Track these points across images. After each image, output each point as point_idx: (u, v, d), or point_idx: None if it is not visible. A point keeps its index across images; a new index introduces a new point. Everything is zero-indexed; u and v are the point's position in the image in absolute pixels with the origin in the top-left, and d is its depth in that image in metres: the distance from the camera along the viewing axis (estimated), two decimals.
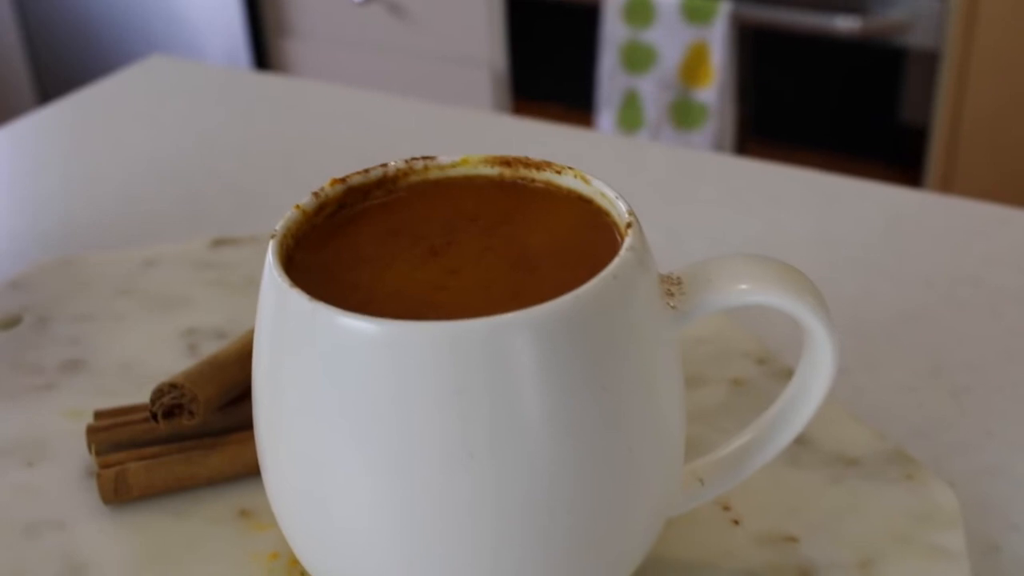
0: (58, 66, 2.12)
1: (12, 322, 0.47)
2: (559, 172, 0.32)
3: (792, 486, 0.37)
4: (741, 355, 0.42)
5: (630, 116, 1.61)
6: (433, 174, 0.32)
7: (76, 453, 0.40)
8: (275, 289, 0.27)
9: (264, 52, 1.93)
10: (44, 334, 0.46)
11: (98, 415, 0.39)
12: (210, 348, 0.44)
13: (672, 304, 0.29)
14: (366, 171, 0.32)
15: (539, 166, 0.32)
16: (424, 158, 0.32)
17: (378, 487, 0.27)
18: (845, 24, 1.45)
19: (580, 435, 0.27)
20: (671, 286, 0.30)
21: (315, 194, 0.31)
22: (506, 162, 0.32)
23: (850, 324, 0.46)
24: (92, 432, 0.38)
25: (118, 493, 0.37)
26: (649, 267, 0.28)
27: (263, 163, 0.63)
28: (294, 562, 0.35)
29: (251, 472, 0.37)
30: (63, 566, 0.35)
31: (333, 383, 0.27)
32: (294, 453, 0.29)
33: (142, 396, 0.41)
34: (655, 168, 0.61)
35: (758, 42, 1.57)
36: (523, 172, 0.32)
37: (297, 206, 0.30)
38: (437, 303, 0.28)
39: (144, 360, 0.44)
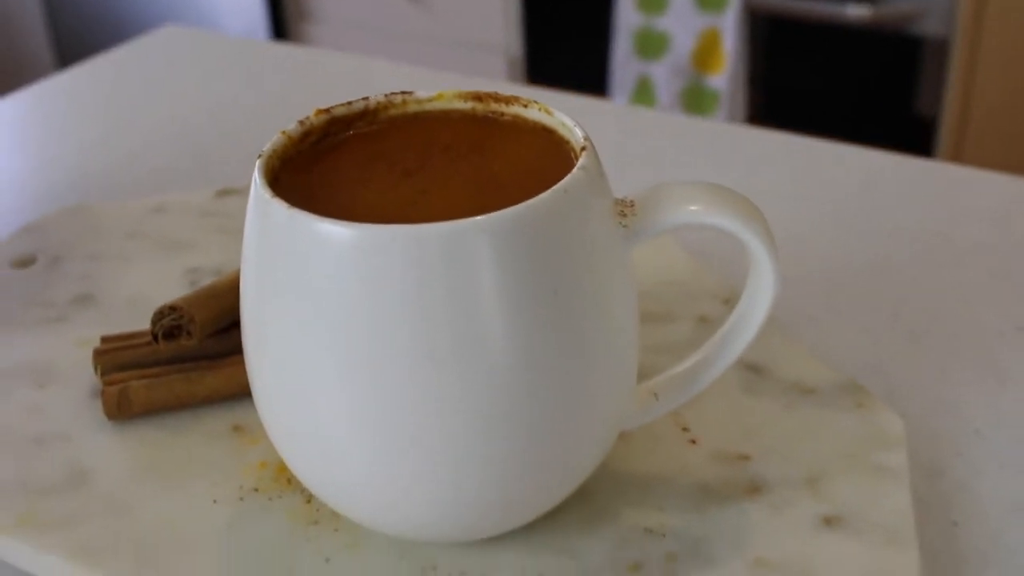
0: (78, 39, 2.16)
1: (27, 262, 0.50)
2: (526, 106, 0.34)
3: (749, 412, 0.39)
4: (709, 295, 0.45)
5: (642, 101, 1.63)
6: (411, 108, 0.35)
7: (83, 377, 0.42)
8: (258, 202, 0.30)
9: (283, 35, 1.96)
10: (56, 272, 0.49)
11: (104, 340, 0.42)
12: None
13: (624, 224, 0.32)
14: (349, 103, 0.34)
15: (508, 100, 0.34)
16: (403, 92, 0.35)
17: (349, 387, 0.30)
18: (856, 12, 1.47)
19: (533, 337, 0.29)
20: (624, 208, 0.32)
21: (300, 122, 0.33)
22: (478, 97, 0.35)
23: (819, 275, 0.49)
24: (98, 355, 0.41)
25: (120, 409, 0.39)
26: (601, 187, 0.31)
27: (272, 125, 0.65)
28: (281, 469, 0.37)
29: (245, 392, 0.40)
30: (68, 472, 0.38)
31: (309, 287, 0.29)
32: (275, 358, 0.31)
33: (146, 326, 0.44)
34: (649, 134, 0.64)
35: (770, 29, 1.59)
36: (493, 106, 0.35)
37: (283, 132, 0.33)
38: (407, 217, 0.30)
39: (149, 296, 0.47)
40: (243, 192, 0.54)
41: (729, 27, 1.53)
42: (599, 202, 0.31)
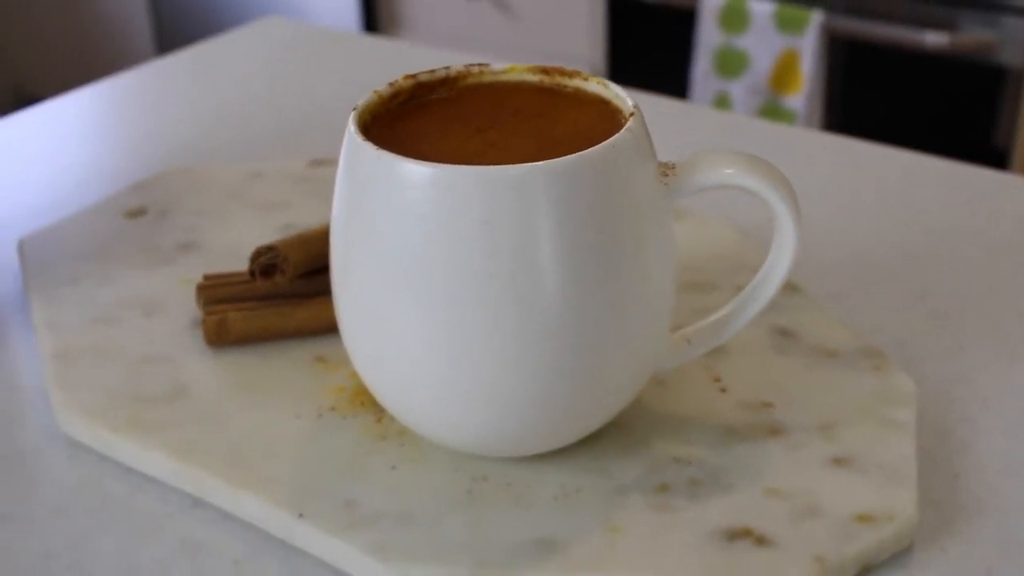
0: (178, 33, 2.25)
1: (138, 213, 0.56)
2: (586, 79, 0.39)
3: (776, 368, 0.43)
4: (749, 268, 0.49)
5: None
6: (486, 78, 0.40)
7: (187, 309, 0.48)
8: (351, 146, 0.35)
9: None
10: (164, 223, 0.55)
11: (206, 277, 0.48)
12: None
13: (665, 182, 0.36)
14: (432, 71, 0.39)
15: (571, 75, 0.39)
16: (479, 64, 0.40)
17: (423, 309, 0.35)
18: (934, 40, 1.49)
19: (581, 269, 0.34)
20: (666, 169, 0.37)
21: (390, 84, 0.39)
22: (545, 71, 0.40)
23: (855, 259, 0.53)
24: (201, 289, 0.47)
25: (219, 335, 0.45)
26: (646, 148, 0.36)
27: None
28: (356, 394, 0.42)
29: (328, 328, 0.45)
30: (170, 387, 0.43)
31: (391, 219, 0.34)
32: (360, 285, 0.36)
33: (243, 270, 0.49)
34: (702, 129, 0.68)
35: (849, 53, 1.62)
36: (558, 79, 0.40)
37: (375, 91, 0.38)
38: (478, 162, 0.35)
39: (246, 245, 0.52)
40: (334, 163, 0.59)
41: (808, 49, 1.56)
42: (643, 160, 0.35)
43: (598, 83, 0.39)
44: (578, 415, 0.37)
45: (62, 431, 0.43)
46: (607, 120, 0.38)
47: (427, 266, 0.34)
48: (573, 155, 0.33)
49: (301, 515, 0.37)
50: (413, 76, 0.39)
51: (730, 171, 0.37)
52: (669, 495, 0.38)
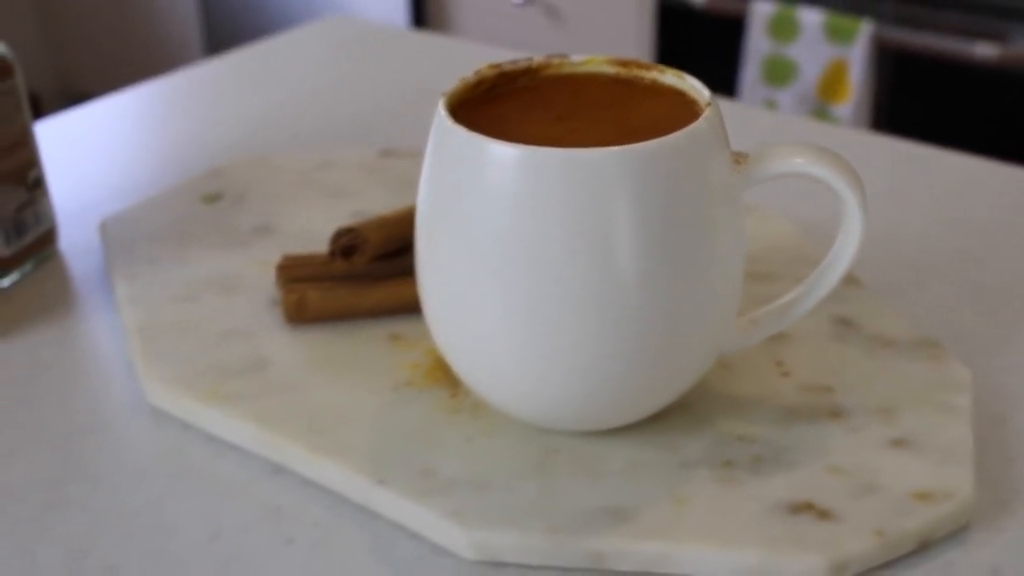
0: (228, 33, 2.28)
1: (215, 198, 0.58)
2: (663, 72, 0.41)
3: (836, 355, 0.45)
4: (811, 261, 0.51)
5: None
6: (566, 69, 0.42)
7: (264, 288, 0.50)
8: (440, 129, 0.37)
9: None
10: (240, 208, 0.57)
11: (285, 258, 0.50)
12: None
13: (738, 170, 0.38)
14: (515, 61, 0.41)
15: (648, 67, 0.41)
16: (559, 55, 0.42)
17: (504, 284, 0.37)
18: (983, 51, 1.50)
19: (656, 249, 0.36)
20: (739, 158, 0.38)
21: (476, 72, 0.40)
22: (623, 63, 0.41)
23: (913, 257, 0.54)
24: (281, 269, 0.49)
25: (298, 312, 0.47)
26: (720, 137, 0.37)
27: (424, 103, 0.73)
28: (431, 370, 0.44)
29: (404, 308, 0.47)
30: (251, 361, 0.45)
31: (477, 198, 0.36)
32: (444, 261, 0.38)
33: (317, 253, 0.51)
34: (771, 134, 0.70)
35: (897, 64, 1.63)
36: (635, 71, 0.41)
37: (461, 79, 0.40)
38: (560, 146, 0.37)
39: (319, 229, 0.54)
40: (403, 154, 0.61)
41: (857, 59, 1.57)
42: (717, 149, 0.37)
43: (674, 75, 0.40)
44: (648, 393, 0.39)
45: (147, 400, 0.45)
46: (683, 110, 0.39)
47: (510, 244, 0.36)
48: (652, 141, 0.35)
49: (381, 481, 0.39)
50: (497, 66, 0.41)
51: (800, 160, 0.38)
52: (733, 469, 0.39)
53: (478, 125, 0.37)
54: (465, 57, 0.82)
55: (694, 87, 0.39)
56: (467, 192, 0.36)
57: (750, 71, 1.67)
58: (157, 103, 0.75)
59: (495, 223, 0.36)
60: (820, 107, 1.63)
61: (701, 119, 0.37)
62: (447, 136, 0.37)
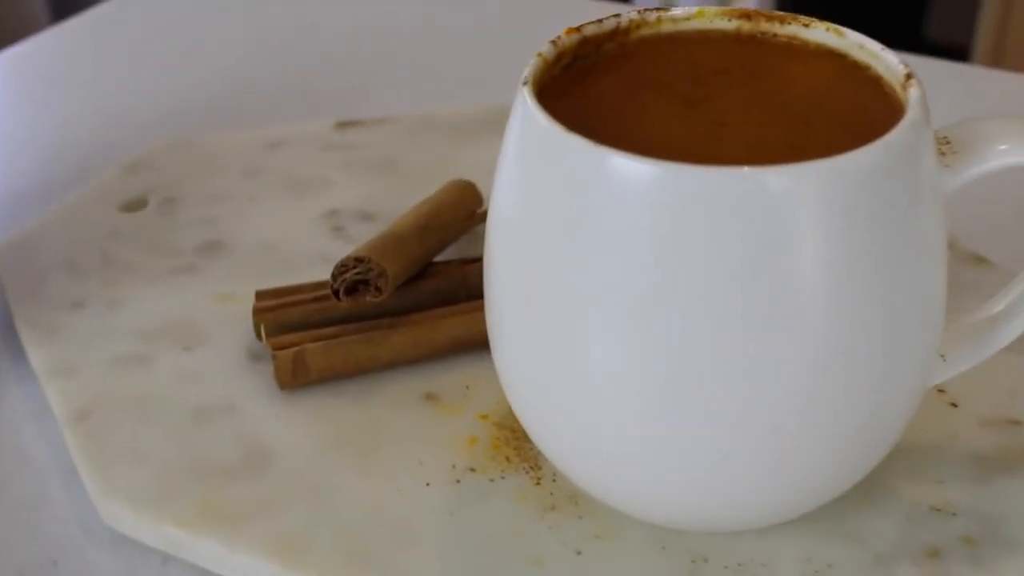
0: None
1: (137, 205, 0.44)
2: (807, 25, 0.29)
3: (1007, 370, 0.35)
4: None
5: None
6: (666, 27, 0.30)
7: (234, 337, 0.37)
8: (539, 136, 0.25)
9: None
10: (174, 216, 0.44)
11: (260, 296, 0.37)
12: (356, 230, 0.42)
13: (945, 163, 0.27)
14: (599, 21, 0.29)
15: (783, 19, 0.29)
16: (657, 10, 0.30)
17: (632, 337, 0.25)
18: None
19: (853, 295, 0.25)
20: (941, 145, 0.27)
21: (553, 43, 0.28)
22: (746, 15, 0.30)
23: None
24: (260, 313, 0.36)
25: (296, 376, 0.35)
26: (929, 127, 0.26)
27: (373, 55, 0.60)
28: (496, 446, 0.33)
29: (436, 354, 0.35)
30: (246, 451, 0.33)
31: (601, 227, 0.24)
32: (541, 301, 0.26)
33: (291, 278, 0.39)
34: None
35: None
36: (764, 26, 0.30)
37: (539, 54, 0.28)
38: (711, 154, 0.25)
39: (285, 241, 0.42)
40: (368, 123, 0.49)
41: None
42: (928, 146, 0.26)
43: (828, 30, 0.29)
44: (840, 468, 0.28)
45: (105, 525, 0.32)
46: (849, 80, 0.28)
47: (641, 284, 0.25)
48: (874, 145, 0.24)
49: None
50: (577, 30, 0.29)
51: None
52: (945, 561, 0.29)
53: (575, 123, 0.26)
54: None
55: (863, 46, 0.28)
56: (584, 219, 0.25)
57: None
58: (16, 78, 0.60)
59: (627, 259, 0.25)
60: None
61: (912, 107, 0.26)
62: (552, 144, 0.25)
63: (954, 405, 0.34)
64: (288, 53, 0.60)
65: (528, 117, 0.26)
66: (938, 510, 0.30)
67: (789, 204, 0.23)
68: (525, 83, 0.26)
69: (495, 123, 0.48)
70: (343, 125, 0.49)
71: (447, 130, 0.48)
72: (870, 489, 0.31)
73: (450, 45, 0.60)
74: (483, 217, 0.41)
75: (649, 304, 0.24)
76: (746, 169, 0.23)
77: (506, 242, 0.27)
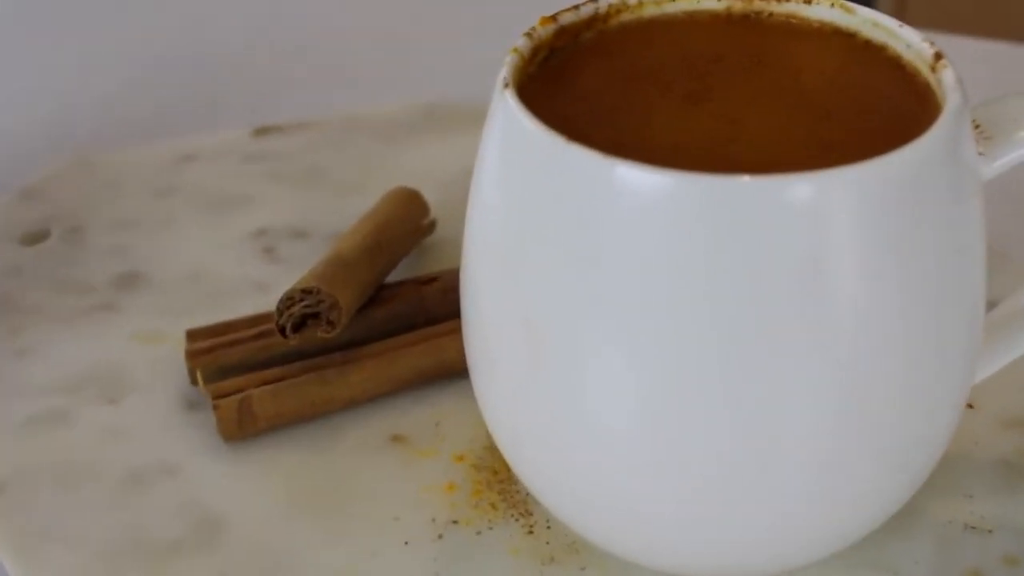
0: None
1: (38, 237, 0.40)
2: (808, 1, 0.26)
3: (1019, 366, 0.32)
4: None
5: None
6: (649, 11, 0.26)
7: (165, 383, 0.33)
8: (530, 147, 0.22)
9: None
10: (81, 247, 0.39)
11: (192, 336, 0.33)
12: (289, 250, 0.38)
13: (982, 151, 0.24)
14: (576, 8, 0.26)
15: None
16: None
17: (646, 369, 0.22)
18: None
19: (892, 312, 0.22)
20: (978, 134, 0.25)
21: (528, 35, 0.25)
22: None
23: None
24: (194, 356, 0.32)
25: (242, 426, 0.30)
26: (968, 119, 0.24)
27: (282, 43, 0.55)
28: (477, 491, 0.29)
29: (399, 389, 0.31)
30: (193, 519, 0.29)
31: (611, 243, 0.21)
32: (534, 329, 0.23)
33: (222, 310, 0.35)
34: None
35: None
36: (758, 4, 0.26)
37: (514, 49, 0.24)
38: (729, 157, 0.22)
39: (213, 268, 0.37)
40: (287, 129, 0.44)
41: None
42: (969, 137, 0.23)
43: (833, 5, 0.26)
44: (872, 505, 0.25)
45: None
46: (864, 62, 0.25)
47: (652, 310, 0.21)
48: (911, 145, 0.21)
49: None
50: (552, 18, 0.25)
51: None
52: None
53: (567, 127, 0.22)
54: None
55: (877, 23, 0.25)
56: (599, 254, 0.21)
57: None
58: None
59: (635, 281, 0.22)
60: None
61: (951, 94, 0.23)
62: (552, 155, 0.21)
63: (970, 406, 0.31)
64: (186, 51, 0.55)
65: (514, 125, 0.22)
66: (973, 528, 0.28)
67: (840, 211, 0.20)
68: (506, 85, 0.23)
69: (427, 123, 0.44)
70: (260, 132, 0.44)
71: (375, 133, 0.44)
72: (896, 512, 0.28)
73: (365, 38, 0.55)
74: (431, 229, 0.37)
75: (684, 342, 0.21)
76: (760, 180, 0.20)
77: (499, 276, 0.23)
